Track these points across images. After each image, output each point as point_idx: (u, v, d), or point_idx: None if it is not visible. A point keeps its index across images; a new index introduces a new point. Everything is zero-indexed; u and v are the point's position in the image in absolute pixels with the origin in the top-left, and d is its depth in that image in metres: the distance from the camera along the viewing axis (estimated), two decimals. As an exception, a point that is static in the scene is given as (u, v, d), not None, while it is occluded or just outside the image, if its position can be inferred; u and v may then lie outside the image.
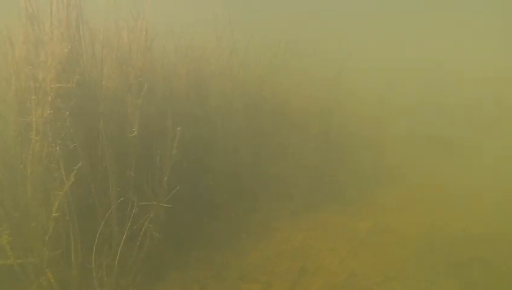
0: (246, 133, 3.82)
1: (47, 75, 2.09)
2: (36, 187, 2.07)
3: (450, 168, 5.27)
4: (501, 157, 5.47)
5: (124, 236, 2.18)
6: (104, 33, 2.48)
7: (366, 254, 2.94)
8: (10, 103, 2.24)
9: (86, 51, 2.50)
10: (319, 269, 2.70)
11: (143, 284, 2.37)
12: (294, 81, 4.63)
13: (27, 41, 2.25)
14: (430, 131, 6.23)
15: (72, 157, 2.13)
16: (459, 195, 4.31)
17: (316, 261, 2.80)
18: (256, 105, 3.93)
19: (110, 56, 2.56)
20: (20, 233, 2.06)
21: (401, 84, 6.87)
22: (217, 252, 2.83)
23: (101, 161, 2.31)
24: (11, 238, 1.91)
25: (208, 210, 3.22)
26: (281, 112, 4.17)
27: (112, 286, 2.21)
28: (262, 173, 3.85)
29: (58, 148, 2.05)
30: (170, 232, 2.61)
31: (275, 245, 3.02)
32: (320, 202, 3.85)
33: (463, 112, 6.79)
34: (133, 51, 2.66)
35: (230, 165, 3.54)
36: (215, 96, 3.59)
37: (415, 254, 2.98)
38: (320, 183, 4.09)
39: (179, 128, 2.33)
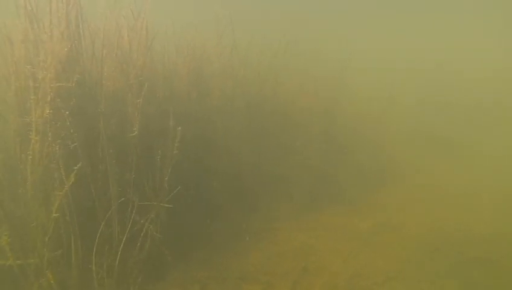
0: (247, 132, 3.82)
1: (46, 74, 2.07)
2: (36, 187, 2.05)
3: (451, 168, 5.28)
4: (501, 157, 5.47)
5: (125, 236, 2.17)
6: (104, 32, 2.46)
7: (368, 254, 2.94)
8: (10, 103, 2.22)
9: (86, 50, 2.48)
10: (320, 269, 2.69)
11: (144, 285, 2.36)
12: (295, 80, 4.63)
13: (26, 40, 2.23)
14: (431, 131, 6.24)
15: (72, 158, 2.11)
16: (460, 195, 4.31)
17: (317, 262, 2.79)
18: (258, 104, 3.93)
19: (111, 55, 2.54)
20: (20, 234, 2.04)
21: (401, 84, 6.87)
22: (218, 252, 2.82)
23: (101, 161, 2.30)
24: (11, 239, 1.90)
25: (209, 210, 3.21)
26: (283, 111, 4.16)
27: (112, 287, 2.20)
28: (263, 173, 3.84)
29: (58, 148, 2.04)
30: (171, 232, 2.60)
31: (276, 245, 3.01)
32: (321, 202, 3.84)
33: (463, 112, 6.80)
34: (134, 50, 2.65)
35: (232, 165, 3.53)
36: (216, 95, 3.58)
37: (417, 254, 2.98)
38: (322, 183, 4.08)
39: (180, 128, 2.32)
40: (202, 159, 3.23)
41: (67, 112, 2.07)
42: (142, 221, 2.33)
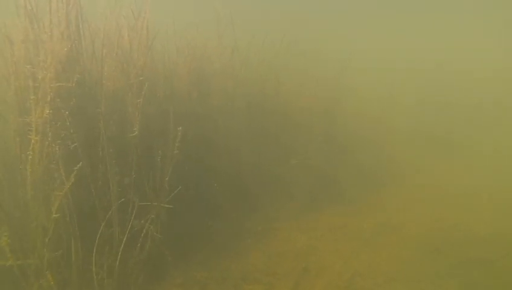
0: (248, 132, 3.81)
1: (46, 74, 2.06)
2: (36, 188, 2.04)
3: (451, 168, 5.28)
4: (501, 157, 5.47)
5: (125, 237, 2.16)
6: (104, 32, 2.45)
7: (368, 254, 2.93)
8: (10, 103, 2.21)
9: (86, 49, 2.48)
10: (321, 270, 2.69)
11: (144, 285, 2.35)
12: (296, 80, 4.62)
13: (26, 40, 2.22)
14: (431, 131, 6.24)
15: (72, 158, 2.11)
16: (460, 195, 4.31)
17: (318, 262, 2.79)
18: (259, 104, 3.92)
19: (111, 55, 2.53)
20: (20, 234, 2.03)
21: (401, 84, 6.88)
22: (219, 252, 2.82)
23: (101, 161, 2.29)
24: (11, 240, 1.89)
25: (210, 210, 3.20)
26: (283, 111, 4.16)
27: (112, 288, 2.19)
28: (264, 173, 3.84)
29: (58, 149, 2.03)
30: (171, 232, 2.59)
31: (277, 246, 3.00)
32: (321, 202, 3.84)
33: (463, 112, 6.80)
34: (134, 50, 2.64)
35: (232, 165, 3.53)
36: (217, 95, 3.57)
37: (417, 254, 2.98)
38: (323, 184, 4.08)
39: (180, 128, 2.31)
40: (203, 159, 3.22)
41: (67, 112, 2.06)
42: (142, 221, 2.32)
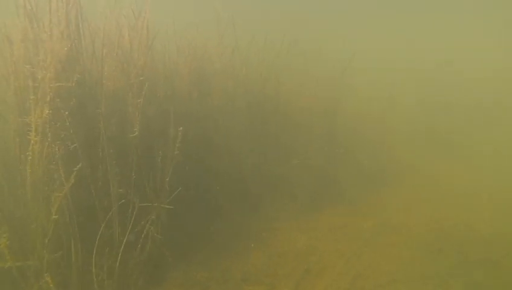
0: (249, 132, 3.80)
1: (46, 74, 2.05)
2: (36, 188, 2.03)
3: (451, 168, 5.27)
4: (501, 157, 5.47)
5: (125, 238, 2.15)
6: (104, 31, 2.44)
7: (370, 255, 2.92)
8: (9, 103, 2.20)
9: (86, 49, 2.46)
10: (322, 271, 2.68)
11: (144, 286, 2.34)
12: (296, 80, 4.62)
13: (26, 39, 2.21)
14: (431, 131, 6.24)
15: (72, 158, 2.09)
16: (461, 195, 4.31)
17: (319, 262, 2.78)
18: (259, 104, 3.91)
19: (111, 55, 2.51)
20: (20, 235, 2.02)
21: (402, 84, 6.88)
22: (220, 253, 2.81)
23: (101, 162, 2.27)
24: (11, 241, 1.88)
25: (210, 211, 3.19)
26: (284, 111, 4.15)
27: (112, 289, 2.18)
28: (265, 173, 3.83)
29: (57, 149, 2.01)
30: (172, 233, 2.58)
31: (278, 246, 2.99)
32: (322, 202, 3.83)
33: (463, 112, 6.81)
34: (134, 50, 2.63)
35: (233, 165, 3.52)
36: (218, 95, 3.56)
37: (420, 254, 2.97)
38: (324, 184, 4.07)
39: (181, 128, 2.30)
40: (203, 159, 3.21)
41: (67, 112, 2.05)
42: (143, 222, 2.31)
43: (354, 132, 5.19)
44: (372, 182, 4.46)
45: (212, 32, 3.70)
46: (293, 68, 4.70)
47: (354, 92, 5.64)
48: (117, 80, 2.56)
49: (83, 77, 2.35)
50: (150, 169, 2.44)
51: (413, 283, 2.60)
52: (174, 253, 2.52)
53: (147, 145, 2.52)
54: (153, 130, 2.62)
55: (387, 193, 4.33)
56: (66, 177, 1.95)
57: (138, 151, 2.41)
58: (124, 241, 2.15)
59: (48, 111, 2.02)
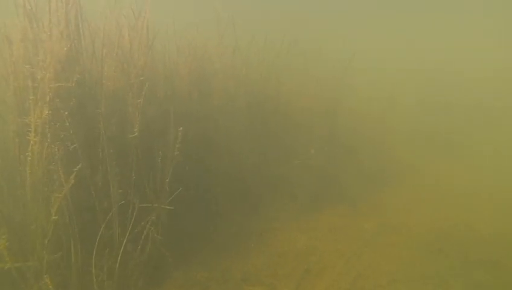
0: (249, 132, 3.79)
1: (46, 74, 2.04)
2: (35, 189, 2.02)
3: (451, 168, 5.27)
4: (501, 157, 5.47)
5: (125, 239, 2.14)
6: (104, 31, 2.43)
7: (370, 255, 2.92)
8: (9, 103, 2.19)
9: (86, 49, 2.45)
10: (322, 271, 2.67)
11: (144, 287, 2.33)
12: (296, 80, 4.62)
13: (25, 39, 2.20)
14: (431, 131, 6.24)
15: (71, 159, 2.09)
16: (461, 195, 4.31)
17: (320, 263, 2.77)
18: (260, 104, 3.91)
19: (111, 55, 2.51)
20: (19, 236, 2.01)
21: (402, 84, 6.89)
22: (220, 253, 2.80)
23: (101, 162, 2.27)
24: (10, 241, 1.87)
25: (210, 211, 3.18)
26: (284, 111, 4.15)
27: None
28: (265, 174, 3.82)
29: (57, 149, 2.01)
30: (172, 234, 2.57)
31: (279, 246, 2.99)
32: (322, 202, 3.83)
33: (463, 112, 6.81)
34: (134, 50, 2.62)
35: (233, 166, 3.51)
36: (218, 95, 3.55)
37: (420, 254, 2.97)
38: (324, 184, 4.07)
39: (181, 128, 2.29)
40: (203, 159, 3.21)
41: (66, 113, 2.04)
42: (143, 223, 2.30)
43: (354, 132, 5.19)
44: (372, 182, 4.46)
45: (212, 32, 3.69)
46: (293, 68, 4.69)
47: (354, 92, 5.64)
48: (117, 80, 2.55)
49: (82, 77, 2.35)
50: (150, 169, 2.43)
51: (413, 283, 2.60)
52: (174, 253, 2.51)
53: (147, 146, 2.52)
54: (153, 131, 2.62)
55: (387, 193, 4.32)
56: (66, 177, 1.95)
57: (138, 151, 2.41)
58: (124, 242, 2.14)
59: (47, 111, 2.02)
